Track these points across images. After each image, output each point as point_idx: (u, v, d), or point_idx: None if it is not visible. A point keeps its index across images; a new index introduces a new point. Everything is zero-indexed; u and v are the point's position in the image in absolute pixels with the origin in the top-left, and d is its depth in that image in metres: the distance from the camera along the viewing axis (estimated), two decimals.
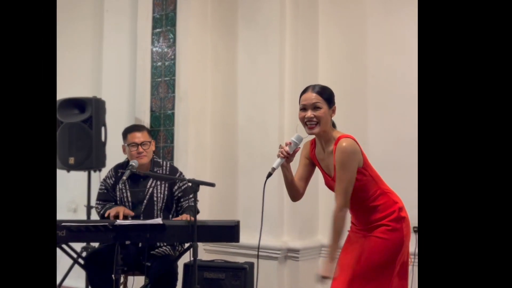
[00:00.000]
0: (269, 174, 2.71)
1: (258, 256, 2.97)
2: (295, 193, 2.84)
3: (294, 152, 2.71)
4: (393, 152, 4.05)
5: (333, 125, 2.81)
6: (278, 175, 4.25)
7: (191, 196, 3.54)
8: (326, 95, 2.71)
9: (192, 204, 3.23)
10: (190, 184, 3.24)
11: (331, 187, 2.77)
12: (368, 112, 4.39)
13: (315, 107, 2.68)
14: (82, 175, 4.84)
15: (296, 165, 2.89)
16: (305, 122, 2.70)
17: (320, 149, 2.80)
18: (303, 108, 2.71)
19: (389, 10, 4.37)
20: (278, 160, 2.69)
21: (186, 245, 3.50)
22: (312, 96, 2.69)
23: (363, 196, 2.71)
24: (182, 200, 3.64)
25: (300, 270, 4.34)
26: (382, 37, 4.36)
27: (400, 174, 4.15)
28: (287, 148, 2.68)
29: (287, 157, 2.69)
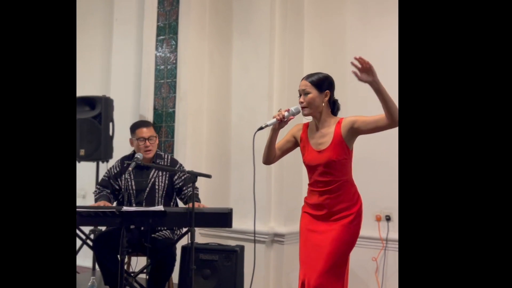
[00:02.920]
0: (260, 128, 2.71)
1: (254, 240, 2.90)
2: (270, 157, 2.83)
3: (288, 120, 2.70)
4: (366, 149, 4.00)
5: (338, 109, 2.81)
6: (267, 170, 4.19)
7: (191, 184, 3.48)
8: (315, 81, 2.71)
9: (195, 192, 3.15)
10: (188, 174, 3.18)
11: (313, 160, 2.71)
12: (347, 116, 4.34)
13: (305, 93, 2.70)
14: (91, 165, 4.82)
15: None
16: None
17: (313, 130, 2.77)
18: (300, 94, 2.73)
19: (365, 24, 4.40)
20: (272, 120, 2.69)
21: (184, 229, 3.49)
22: (302, 84, 2.72)
23: (343, 171, 2.69)
24: (184, 188, 3.58)
25: (284, 252, 4.32)
26: (359, 47, 4.35)
27: (373, 168, 4.13)
28: (284, 113, 2.67)
29: (281, 121, 2.68)
